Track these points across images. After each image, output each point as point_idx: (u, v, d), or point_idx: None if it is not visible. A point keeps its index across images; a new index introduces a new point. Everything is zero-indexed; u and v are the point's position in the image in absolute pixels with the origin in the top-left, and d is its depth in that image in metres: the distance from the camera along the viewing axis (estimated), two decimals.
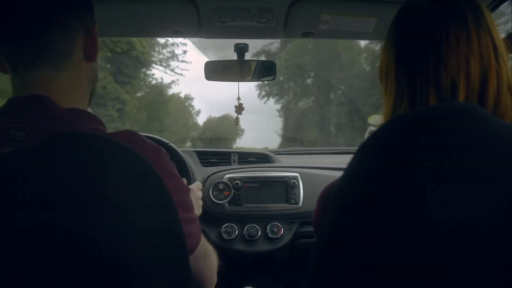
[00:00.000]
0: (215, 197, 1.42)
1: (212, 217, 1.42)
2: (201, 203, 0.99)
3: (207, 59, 1.31)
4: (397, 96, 0.60)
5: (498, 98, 0.55)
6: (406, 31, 0.60)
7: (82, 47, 0.63)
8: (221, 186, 1.43)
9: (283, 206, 1.42)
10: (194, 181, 1.43)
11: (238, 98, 1.44)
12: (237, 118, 1.47)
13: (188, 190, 0.66)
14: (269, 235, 1.40)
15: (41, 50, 0.59)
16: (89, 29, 0.63)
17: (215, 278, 0.77)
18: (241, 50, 1.28)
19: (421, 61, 0.57)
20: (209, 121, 14.04)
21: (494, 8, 0.96)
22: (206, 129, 13.52)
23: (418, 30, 0.58)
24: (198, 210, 0.94)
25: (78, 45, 0.62)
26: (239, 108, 1.45)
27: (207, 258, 0.72)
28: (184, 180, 0.73)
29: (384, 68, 0.64)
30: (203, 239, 0.70)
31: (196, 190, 0.96)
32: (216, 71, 1.34)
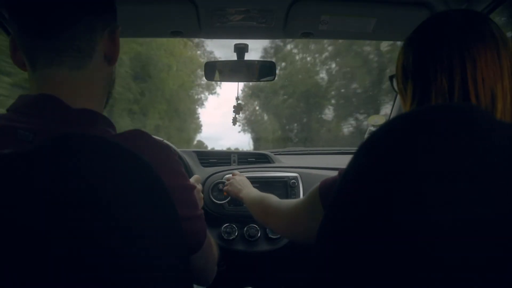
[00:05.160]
0: (215, 197, 1.42)
1: (212, 217, 1.41)
2: (201, 195, 1.01)
3: None
4: (423, 98, 0.62)
5: None
6: (439, 39, 0.62)
7: (103, 50, 0.63)
8: (221, 187, 1.43)
9: None
10: None
11: (237, 98, 1.44)
12: (235, 118, 1.46)
13: (193, 188, 0.66)
14: (269, 235, 1.40)
15: (63, 49, 0.59)
16: (111, 32, 0.63)
17: (216, 268, 0.77)
18: (241, 50, 1.28)
19: (459, 68, 0.59)
20: None
21: (488, 13, 0.96)
22: None
23: (452, 44, 0.60)
24: (200, 203, 0.95)
25: (99, 47, 0.62)
26: (238, 108, 1.44)
27: (209, 250, 0.72)
28: None
29: (409, 69, 0.65)
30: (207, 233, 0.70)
31: (195, 183, 0.96)
32: (215, 71, 1.33)
